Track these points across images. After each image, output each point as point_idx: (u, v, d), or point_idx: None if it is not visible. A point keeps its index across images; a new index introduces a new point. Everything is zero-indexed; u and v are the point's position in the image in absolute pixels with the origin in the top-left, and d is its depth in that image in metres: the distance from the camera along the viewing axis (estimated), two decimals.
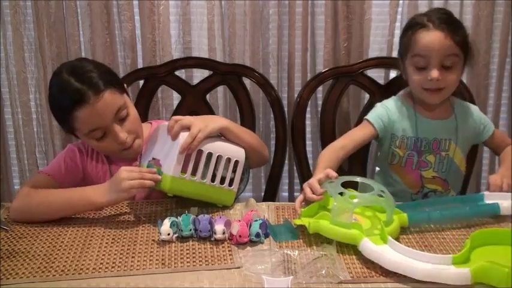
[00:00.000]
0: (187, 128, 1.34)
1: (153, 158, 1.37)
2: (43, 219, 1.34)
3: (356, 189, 1.38)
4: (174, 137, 1.33)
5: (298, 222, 1.25)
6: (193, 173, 1.34)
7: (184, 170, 1.32)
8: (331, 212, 1.21)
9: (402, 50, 1.55)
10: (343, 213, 1.20)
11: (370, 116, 1.60)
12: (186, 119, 1.35)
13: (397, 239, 1.20)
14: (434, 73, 1.47)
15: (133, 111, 1.45)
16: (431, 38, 1.46)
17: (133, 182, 1.29)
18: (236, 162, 1.40)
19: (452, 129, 1.58)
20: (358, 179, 1.37)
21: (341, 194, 1.24)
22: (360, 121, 1.88)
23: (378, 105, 1.64)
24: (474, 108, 1.65)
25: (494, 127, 1.66)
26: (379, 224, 1.21)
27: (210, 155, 1.35)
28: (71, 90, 1.34)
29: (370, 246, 1.11)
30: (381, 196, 1.24)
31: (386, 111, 1.59)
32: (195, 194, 1.36)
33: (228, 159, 1.38)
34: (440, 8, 1.60)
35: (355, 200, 1.23)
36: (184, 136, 1.32)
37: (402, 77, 1.62)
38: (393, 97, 1.65)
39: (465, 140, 1.61)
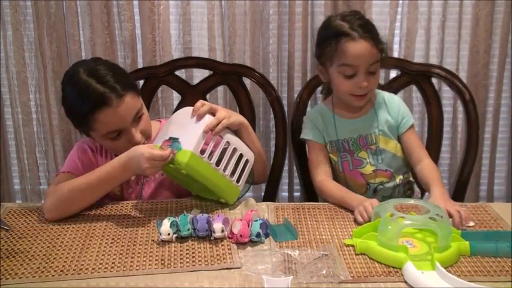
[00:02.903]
0: (212, 114, 1.38)
1: (171, 138, 1.36)
2: (78, 207, 1.37)
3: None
4: (201, 116, 1.37)
5: (348, 242, 1.21)
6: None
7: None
8: (378, 232, 1.17)
9: (324, 58, 1.53)
10: (391, 234, 1.14)
11: (305, 134, 1.63)
12: (213, 104, 1.40)
13: (454, 266, 1.12)
14: (364, 82, 1.49)
15: (146, 112, 1.47)
16: (359, 48, 1.47)
17: (155, 169, 1.32)
18: (246, 161, 1.43)
19: (373, 122, 1.60)
20: (412, 201, 1.32)
21: (392, 215, 1.18)
22: None
23: (304, 118, 1.67)
24: (395, 99, 1.65)
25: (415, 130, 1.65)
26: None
27: (227, 145, 1.38)
28: (94, 93, 1.34)
29: (411, 271, 1.06)
30: (435, 219, 1.16)
31: (313, 122, 1.63)
32: (206, 178, 1.35)
33: (240, 157, 1.41)
34: (354, 11, 1.59)
35: (406, 222, 1.16)
36: (210, 118, 1.36)
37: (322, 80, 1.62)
38: (316, 107, 1.69)
39: (388, 128, 1.60)
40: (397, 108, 1.62)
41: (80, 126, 1.44)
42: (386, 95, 1.65)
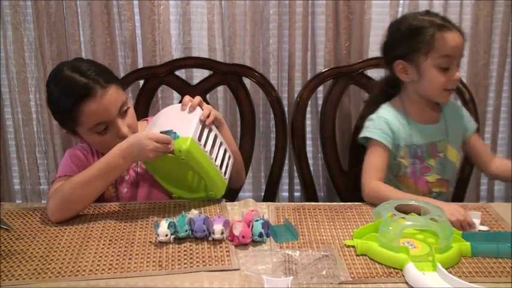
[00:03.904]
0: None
1: (161, 132, 1.37)
2: (81, 205, 1.36)
3: None
4: (194, 107, 1.40)
5: (348, 242, 1.20)
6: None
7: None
8: (378, 233, 1.17)
9: (416, 52, 1.50)
10: (392, 235, 1.14)
11: (376, 135, 1.54)
12: (199, 97, 1.45)
13: (455, 266, 1.13)
14: (459, 73, 1.50)
15: (132, 107, 1.49)
16: (457, 39, 1.49)
17: (157, 153, 1.33)
18: (229, 157, 1.46)
19: (443, 130, 1.59)
20: (413, 202, 1.31)
21: (393, 216, 1.19)
22: (360, 121, 1.88)
23: (375, 118, 1.58)
24: (457, 103, 1.69)
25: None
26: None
27: (215, 138, 1.41)
28: (78, 85, 1.37)
29: (412, 272, 1.06)
30: (436, 220, 1.16)
31: (387, 123, 1.55)
32: (202, 166, 1.36)
33: (224, 152, 1.44)
34: (426, 10, 1.62)
35: (407, 223, 1.17)
36: (200, 109, 1.40)
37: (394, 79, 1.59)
38: (385, 107, 1.61)
39: (456, 136, 1.62)
40: (462, 113, 1.65)
41: (66, 123, 1.45)
42: (453, 103, 1.67)
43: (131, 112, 1.47)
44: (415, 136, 1.56)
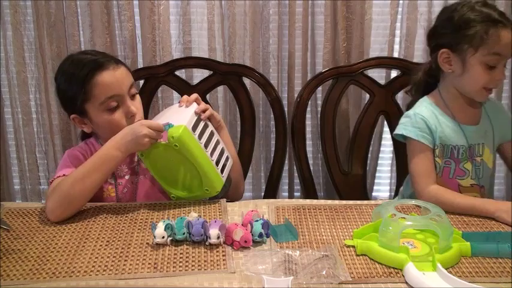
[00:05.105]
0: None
1: None
2: (80, 200, 1.36)
3: None
4: (190, 102, 1.45)
5: (348, 242, 1.20)
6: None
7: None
8: (378, 233, 1.16)
9: (465, 44, 1.41)
10: (392, 235, 1.13)
11: (414, 134, 1.47)
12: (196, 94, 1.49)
13: (455, 266, 1.12)
14: (503, 74, 1.43)
15: (139, 96, 1.52)
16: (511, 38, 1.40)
17: (151, 139, 1.35)
18: (227, 158, 1.46)
19: (484, 132, 1.51)
20: (413, 201, 1.32)
21: (393, 216, 1.17)
22: (361, 121, 1.89)
23: (411, 115, 1.50)
24: (502, 107, 1.60)
25: None
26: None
27: (211, 134, 1.42)
28: (92, 60, 1.44)
29: (412, 272, 1.06)
30: (436, 220, 1.15)
31: (424, 121, 1.48)
32: (195, 157, 1.35)
33: (222, 151, 1.44)
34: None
35: (407, 223, 1.16)
36: (196, 104, 1.45)
37: (430, 70, 1.53)
38: (424, 103, 1.52)
39: (495, 140, 1.53)
40: (505, 115, 1.56)
41: (76, 102, 1.44)
42: (496, 103, 1.58)
43: (139, 98, 1.51)
44: (453, 136, 1.49)
